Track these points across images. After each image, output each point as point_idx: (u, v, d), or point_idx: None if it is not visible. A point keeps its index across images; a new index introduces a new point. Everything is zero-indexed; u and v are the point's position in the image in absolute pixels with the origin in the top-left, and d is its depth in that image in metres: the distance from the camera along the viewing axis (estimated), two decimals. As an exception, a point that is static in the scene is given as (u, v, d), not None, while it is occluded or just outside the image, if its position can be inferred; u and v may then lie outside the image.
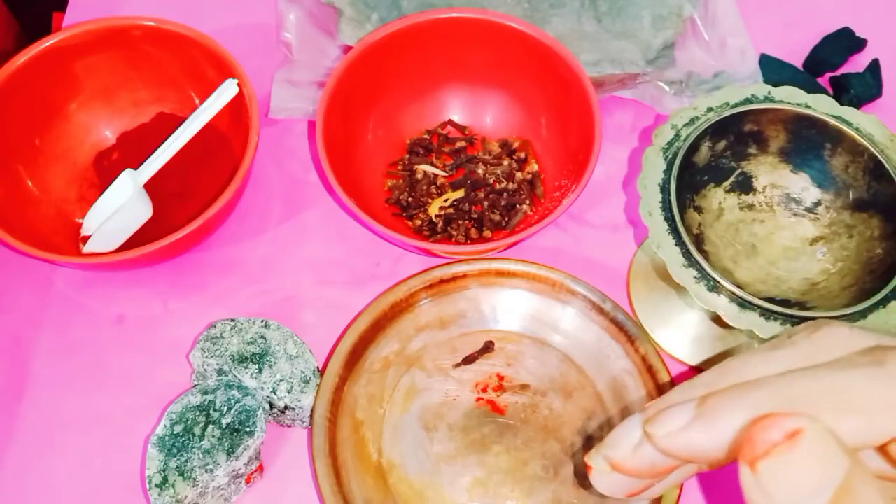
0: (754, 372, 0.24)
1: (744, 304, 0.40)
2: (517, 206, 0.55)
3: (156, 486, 0.43)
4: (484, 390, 0.49)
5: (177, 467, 0.43)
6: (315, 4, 0.61)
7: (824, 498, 0.20)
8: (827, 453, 0.20)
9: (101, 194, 0.53)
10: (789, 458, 0.20)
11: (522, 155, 0.57)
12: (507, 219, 0.55)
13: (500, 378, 0.50)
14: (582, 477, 0.47)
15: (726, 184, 0.46)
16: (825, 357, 0.23)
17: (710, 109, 0.45)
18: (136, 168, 0.53)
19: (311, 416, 0.47)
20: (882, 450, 0.22)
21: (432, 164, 0.57)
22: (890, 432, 0.21)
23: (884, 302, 0.40)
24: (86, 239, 0.53)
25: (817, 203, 0.46)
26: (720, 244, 0.45)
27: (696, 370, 0.51)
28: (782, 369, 0.23)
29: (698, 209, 0.45)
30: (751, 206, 0.47)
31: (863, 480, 0.20)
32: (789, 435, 0.20)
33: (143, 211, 0.53)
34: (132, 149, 0.57)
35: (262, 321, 0.49)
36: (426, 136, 0.58)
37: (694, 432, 0.23)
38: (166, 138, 0.53)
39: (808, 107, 0.45)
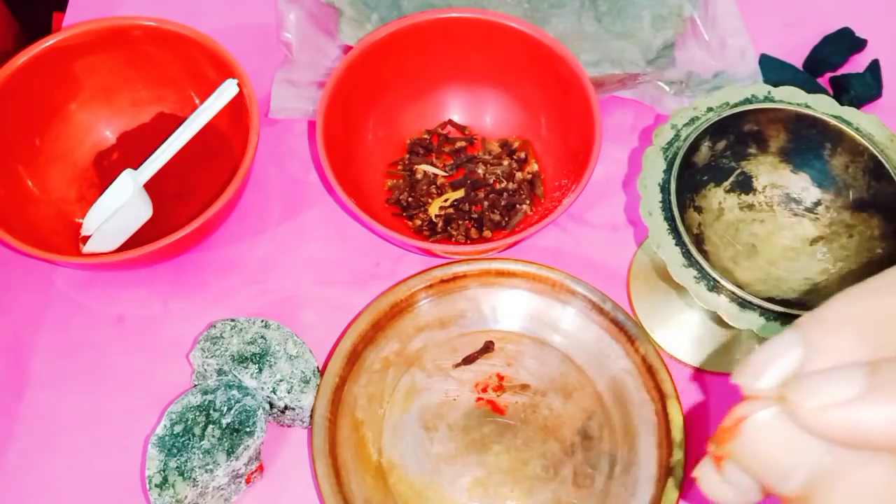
0: None
1: (744, 304, 0.40)
2: (517, 206, 0.55)
3: (156, 486, 0.43)
4: (484, 390, 0.49)
5: (177, 467, 0.43)
6: (315, 4, 0.61)
7: (795, 480, 0.18)
8: (777, 439, 0.18)
9: (101, 194, 0.53)
10: (735, 445, 0.19)
11: (522, 155, 0.57)
12: (507, 219, 0.55)
13: (500, 378, 0.50)
14: (583, 477, 0.47)
15: (726, 184, 0.46)
16: None
17: (710, 109, 0.45)
18: (136, 168, 0.53)
19: (311, 416, 0.47)
20: None
21: (432, 164, 0.57)
22: None
23: (884, 302, 0.40)
24: (86, 239, 0.53)
25: (817, 203, 0.46)
26: (720, 244, 0.45)
27: (696, 370, 0.51)
28: None
29: (698, 209, 0.45)
30: (751, 206, 0.47)
31: (854, 461, 0.18)
32: (733, 422, 0.19)
33: (143, 211, 0.53)
34: (132, 149, 0.57)
35: (262, 321, 0.49)
36: (426, 136, 0.58)
37: (866, 408, 0.17)
38: (166, 138, 0.53)
39: (808, 107, 0.45)
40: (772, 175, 0.46)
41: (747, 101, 0.45)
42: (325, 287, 0.54)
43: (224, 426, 0.44)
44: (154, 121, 0.58)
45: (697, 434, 0.49)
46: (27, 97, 0.52)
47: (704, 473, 0.21)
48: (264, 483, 0.48)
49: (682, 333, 0.51)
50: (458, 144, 0.58)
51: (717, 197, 0.46)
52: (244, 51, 0.55)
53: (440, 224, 0.54)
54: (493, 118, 0.58)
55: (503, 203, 0.55)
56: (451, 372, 0.50)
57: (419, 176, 0.56)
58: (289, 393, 0.46)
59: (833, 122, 0.44)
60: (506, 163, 0.56)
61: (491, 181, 0.56)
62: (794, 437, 0.19)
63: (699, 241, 0.44)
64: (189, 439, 0.44)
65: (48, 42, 0.52)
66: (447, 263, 0.51)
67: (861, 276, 0.42)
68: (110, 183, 0.53)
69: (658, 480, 0.45)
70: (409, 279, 0.51)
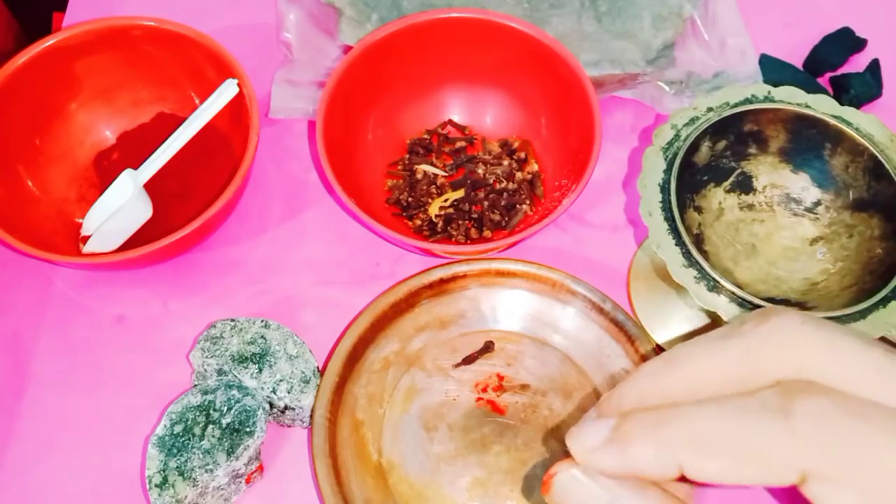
0: (697, 368, 0.25)
1: (744, 304, 0.40)
2: (517, 206, 0.55)
3: (156, 486, 0.43)
4: (484, 390, 0.49)
5: (177, 467, 0.43)
6: (315, 4, 0.61)
7: None
8: (574, 491, 0.25)
9: (101, 194, 0.53)
10: (548, 497, 0.26)
11: (522, 155, 0.57)
12: (507, 219, 0.55)
13: (500, 378, 0.50)
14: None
15: (726, 184, 0.46)
16: (769, 356, 0.24)
17: (710, 109, 0.45)
18: (136, 168, 0.53)
19: (311, 416, 0.47)
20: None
21: (432, 164, 0.57)
22: (788, 480, 0.22)
23: (884, 302, 0.40)
24: (86, 239, 0.53)
25: (817, 203, 0.46)
26: (720, 244, 0.45)
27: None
28: (724, 366, 0.24)
29: (698, 209, 0.45)
30: (751, 206, 0.47)
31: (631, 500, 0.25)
32: (546, 478, 0.26)
33: (143, 211, 0.53)
34: (132, 149, 0.57)
35: (262, 321, 0.49)
36: (426, 136, 0.58)
37: (607, 456, 0.24)
38: (166, 138, 0.53)
39: (808, 107, 0.45)
40: (772, 175, 0.46)
41: (747, 101, 0.45)
42: (325, 287, 0.54)
43: (224, 426, 0.44)
44: (154, 121, 0.58)
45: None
46: (27, 97, 0.52)
47: None
48: (264, 483, 0.48)
49: (681, 333, 0.51)
50: (458, 144, 0.58)
51: (717, 197, 0.46)
52: (244, 51, 0.55)
53: (440, 224, 0.55)
54: (493, 118, 0.58)
55: (503, 203, 0.55)
56: (451, 372, 0.50)
57: (419, 176, 0.56)
58: (289, 393, 0.46)
59: (833, 122, 0.44)
60: (506, 163, 0.56)
61: (491, 181, 0.56)
62: (586, 490, 0.25)
63: (699, 241, 0.44)
64: (189, 439, 0.44)
65: (48, 42, 0.52)
66: (447, 263, 0.51)
67: (861, 275, 0.42)
68: (110, 183, 0.53)
69: (658, 480, 0.45)
70: (409, 279, 0.51)
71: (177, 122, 0.54)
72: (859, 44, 0.62)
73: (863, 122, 0.44)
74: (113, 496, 0.47)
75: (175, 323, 0.53)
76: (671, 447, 0.23)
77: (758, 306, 0.40)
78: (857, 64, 0.62)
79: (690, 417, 0.24)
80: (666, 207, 0.42)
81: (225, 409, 0.45)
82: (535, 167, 0.56)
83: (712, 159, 0.46)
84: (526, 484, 0.47)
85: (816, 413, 0.22)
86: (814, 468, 0.22)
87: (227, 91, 0.52)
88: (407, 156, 0.57)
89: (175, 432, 0.44)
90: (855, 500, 0.22)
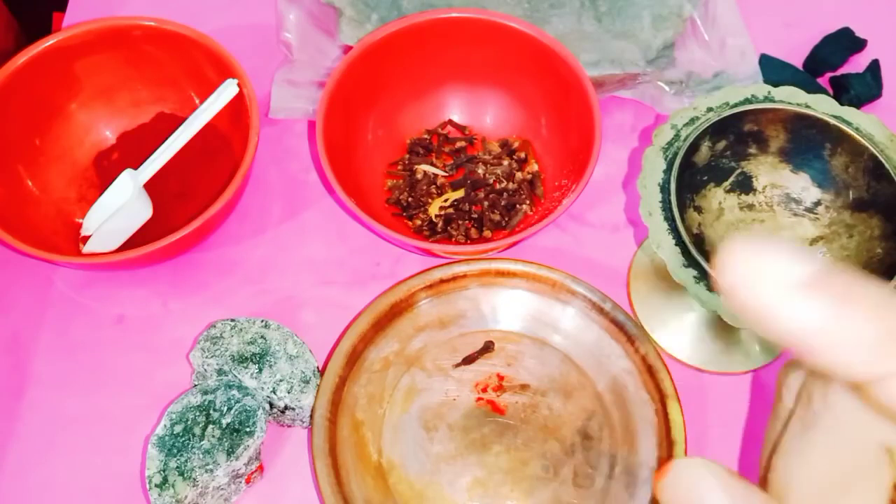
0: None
1: (744, 304, 0.40)
2: (517, 206, 0.55)
3: (156, 486, 0.43)
4: (484, 390, 0.49)
5: (177, 467, 0.43)
6: (315, 4, 0.61)
7: None
8: (691, 486, 0.19)
9: (101, 194, 0.53)
10: (660, 483, 0.20)
11: (522, 155, 0.57)
12: (507, 219, 0.55)
13: (500, 378, 0.50)
14: (583, 477, 0.47)
15: (726, 184, 0.46)
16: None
17: (710, 109, 0.45)
18: (136, 168, 0.53)
19: (311, 416, 0.47)
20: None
21: (432, 164, 0.57)
22: None
23: (884, 302, 0.40)
24: (86, 239, 0.53)
25: (817, 203, 0.46)
26: (720, 244, 0.45)
27: (697, 370, 0.51)
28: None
29: (698, 209, 0.45)
30: (751, 206, 0.47)
31: None
32: (665, 465, 0.20)
33: (143, 211, 0.53)
34: (132, 149, 0.57)
35: (262, 321, 0.49)
36: (426, 136, 0.58)
37: (810, 303, 0.16)
38: (166, 138, 0.53)
39: (808, 107, 0.45)
40: (772, 175, 0.46)
41: (747, 101, 0.45)
42: (325, 287, 0.54)
43: (224, 426, 0.44)
44: (154, 121, 0.58)
45: (697, 434, 0.49)
46: (27, 97, 0.52)
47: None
48: (264, 483, 0.48)
49: (682, 333, 0.51)
50: (458, 144, 0.58)
51: (717, 197, 0.46)
52: (244, 51, 0.55)
53: (440, 224, 0.54)
54: (493, 118, 0.58)
55: (503, 203, 0.55)
56: (451, 372, 0.50)
57: (419, 176, 0.56)
58: (289, 393, 0.46)
59: (833, 122, 0.44)
60: (506, 163, 0.56)
61: (491, 181, 0.56)
62: (705, 488, 0.20)
63: (699, 241, 0.44)
64: (189, 439, 0.44)
65: (48, 42, 0.52)
66: (447, 263, 0.51)
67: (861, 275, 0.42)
68: (110, 183, 0.53)
69: (658, 480, 0.45)
70: (409, 279, 0.51)
71: (177, 122, 0.54)
72: (859, 44, 0.62)
73: (863, 122, 0.44)
74: (113, 496, 0.47)
75: (175, 323, 0.53)
76: None
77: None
78: (857, 64, 0.62)
79: None
80: (666, 207, 0.42)
81: (225, 409, 0.45)
82: (535, 167, 0.56)
83: (712, 159, 0.46)
84: (526, 484, 0.47)
85: None
86: None
87: (227, 91, 0.52)
88: (407, 156, 0.57)
89: (175, 432, 0.44)
90: None
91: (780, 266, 0.17)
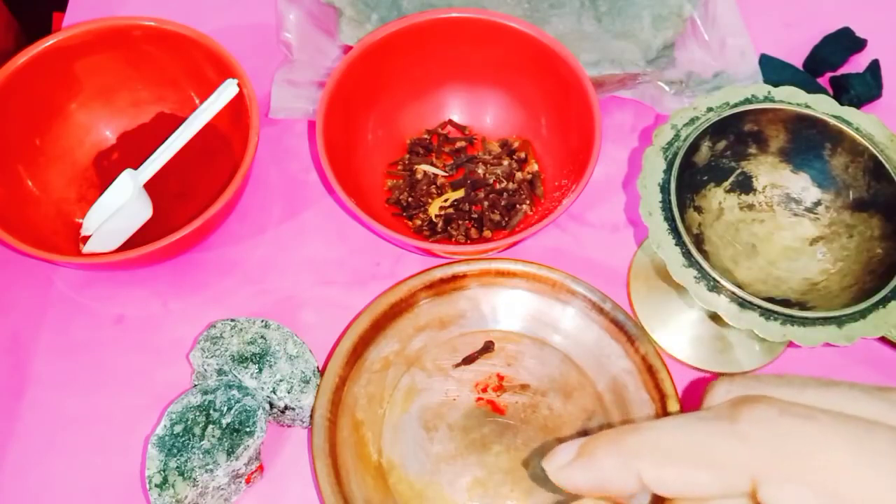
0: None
1: (744, 304, 0.40)
2: (517, 206, 0.55)
3: (156, 486, 0.43)
4: (484, 390, 0.49)
5: (177, 467, 0.43)
6: (315, 4, 0.61)
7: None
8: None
9: (101, 194, 0.53)
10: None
11: (522, 155, 0.57)
12: (507, 219, 0.55)
13: (500, 378, 0.50)
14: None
15: (726, 184, 0.46)
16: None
17: (710, 109, 0.45)
18: (136, 168, 0.53)
19: (311, 416, 0.47)
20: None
21: (432, 164, 0.57)
22: (742, 486, 0.23)
23: (884, 302, 0.40)
24: (86, 239, 0.53)
25: (817, 203, 0.46)
26: (720, 244, 0.45)
27: (697, 370, 0.51)
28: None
29: (698, 209, 0.45)
30: (751, 206, 0.47)
31: None
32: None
33: (143, 211, 0.53)
34: (132, 149, 0.57)
35: (262, 321, 0.49)
36: (426, 136, 0.58)
37: (575, 471, 0.26)
38: (166, 138, 0.53)
39: (808, 107, 0.45)
40: (772, 175, 0.46)
41: (747, 101, 0.45)
42: (325, 287, 0.54)
43: (224, 426, 0.44)
44: (154, 121, 0.58)
45: (697, 434, 0.49)
46: (27, 97, 0.52)
47: None
48: (264, 483, 0.48)
49: (682, 333, 0.51)
50: (458, 144, 0.58)
51: (717, 197, 0.46)
52: (244, 51, 0.55)
53: (440, 224, 0.54)
54: (493, 118, 0.58)
55: (503, 203, 0.55)
56: (451, 372, 0.50)
57: (419, 176, 0.56)
58: (289, 393, 0.46)
59: (833, 122, 0.44)
60: (506, 163, 0.56)
61: (491, 181, 0.56)
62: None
63: (699, 241, 0.44)
64: (189, 439, 0.44)
65: (48, 42, 0.52)
66: (447, 263, 0.51)
67: (861, 275, 0.42)
68: (110, 183, 0.53)
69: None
70: (409, 279, 0.51)
71: (177, 122, 0.54)
72: (859, 44, 0.62)
73: (863, 122, 0.44)
74: (113, 496, 0.47)
75: (175, 323, 0.53)
76: (630, 456, 0.25)
77: (758, 306, 0.40)
78: (857, 64, 0.62)
79: (649, 429, 0.25)
80: (666, 207, 0.42)
81: (225, 409, 0.45)
82: (535, 167, 0.56)
83: (712, 159, 0.46)
84: (526, 484, 0.47)
85: (763, 417, 0.23)
86: (764, 470, 0.23)
87: (227, 91, 0.52)
88: (407, 156, 0.57)
89: (175, 432, 0.44)
90: (806, 496, 0.22)
91: (558, 458, 0.27)
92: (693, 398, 0.50)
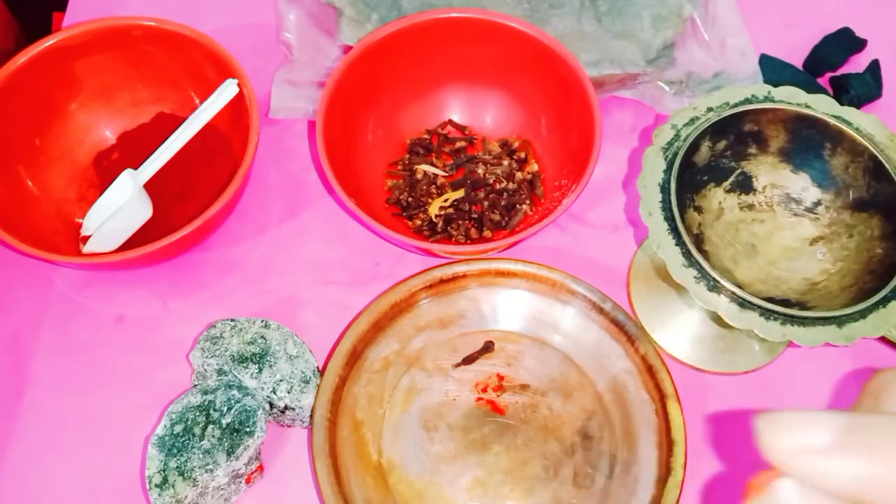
0: None
1: (744, 303, 0.40)
2: (517, 206, 0.55)
3: (156, 486, 0.43)
4: (484, 390, 0.49)
5: (177, 467, 0.43)
6: (315, 4, 0.61)
7: None
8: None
9: (101, 194, 0.53)
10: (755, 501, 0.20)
11: (522, 155, 0.57)
12: (507, 219, 0.55)
13: (500, 378, 0.50)
14: (583, 477, 0.47)
15: (726, 184, 0.46)
16: None
17: (710, 109, 0.45)
18: (136, 168, 0.53)
19: (311, 416, 0.47)
20: None
21: (432, 164, 0.57)
22: None
23: (884, 302, 0.40)
24: (86, 239, 0.53)
25: (817, 203, 0.46)
26: (720, 244, 0.45)
27: (697, 370, 0.51)
28: None
29: (698, 209, 0.45)
30: (751, 206, 0.47)
31: None
32: (755, 484, 0.20)
33: (143, 211, 0.53)
34: (132, 149, 0.57)
35: (262, 321, 0.49)
36: (426, 136, 0.58)
37: (838, 463, 0.19)
38: (166, 138, 0.53)
39: (808, 107, 0.45)
40: (772, 175, 0.46)
41: (747, 101, 0.45)
42: (325, 287, 0.54)
43: (224, 426, 0.44)
44: (154, 121, 0.58)
45: (697, 434, 0.49)
46: (27, 97, 0.52)
47: None
48: (264, 483, 0.48)
49: (682, 333, 0.51)
50: (458, 144, 0.58)
51: (717, 197, 0.46)
52: (244, 51, 0.55)
53: (440, 224, 0.54)
54: (493, 118, 0.58)
55: (503, 203, 0.55)
56: (451, 372, 0.50)
57: (419, 176, 0.56)
58: (289, 393, 0.46)
59: (833, 122, 0.44)
60: (506, 163, 0.56)
61: (491, 181, 0.56)
62: None
63: (699, 241, 0.44)
64: (189, 439, 0.44)
65: (48, 42, 0.52)
66: (447, 263, 0.51)
67: (861, 275, 0.42)
68: (110, 183, 0.53)
69: (658, 480, 0.45)
70: (409, 279, 0.51)
71: (177, 122, 0.54)
72: (859, 44, 0.62)
73: (863, 122, 0.44)
74: (113, 496, 0.47)
75: (175, 323, 0.53)
76: None
77: (758, 306, 0.40)
78: (857, 64, 0.62)
79: None
80: (666, 207, 0.42)
81: (225, 409, 0.45)
82: (535, 167, 0.56)
83: (712, 159, 0.46)
84: (526, 484, 0.47)
85: None
86: None
87: (227, 91, 0.52)
88: (407, 156, 0.57)
89: (175, 432, 0.44)
90: None
91: (807, 438, 0.19)
92: (693, 398, 0.50)
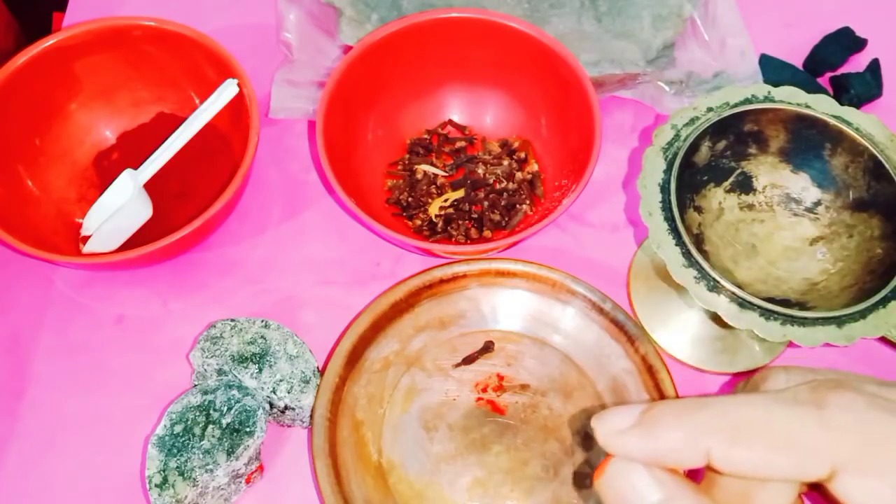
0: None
1: (744, 304, 0.40)
2: (517, 206, 0.55)
3: (156, 486, 0.43)
4: (484, 390, 0.49)
5: (177, 467, 0.43)
6: (315, 4, 0.61)
7: None
8: (626, 485, 0.25)
9: (101, 194, 0.53)
10: (598, 483, 0.25)
11: (522, 155, 0.57)
12: (507, 219, 0.55)
13: (500, 378, 0.50)
14: (582, 477, 0.47)
15: (726, 184, 0.46)
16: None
17: (710, 109, 0.45)
18: (136, 168, 0.53)
19: (311, 416, 0.47)
20: (824, 489, 0.23)
21: (432, 164, 0.57)
22: (818, 473, 0.22)
23: (884, 302, 0.40)
24: (86, 239, 0.53)
25: (817, 203, 0.46)
26: (720, 244, 0.45)
27: (697, 370, 0.51)
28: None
29: (698, 209, 0.45)
30: (751, 206, 0.47)
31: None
32: (602, 463, 0.25)
33: (143, 211, 0.53)
34: (132, 149, 0.57)
35: (262, 321, 0.49)
36: (426, 136, 0.58)
37: (633, 439, 0.24)
38: (166, 138, 0.53)
39: (808, 107, 0.45)
40: (772, 175, 0.46)
41: (747, 101, 0.45)
42: (325, 287, 0.54)
43: (224, 426, 0.44)
44: (154, 121, 0.58)
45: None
46: (27, 97, 0.52)
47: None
48: (264, 483, 0.48)
49: (682, 333, 0.51)
50: (458, 144, 0.58)
51: (717, 197, 0.46)
52: (244, 51, 0.55)
53: (440, 224, 0.54)
54: (493, 118, 0.58)
55: (503, 203, 0.55)
56: (451, 372, 0.50)
57: (419, 176, 0.56)
58: (289, 393, 0.46)
59: (833, 122, 0.44)
60: (506, 163, 0.56)
61: (491, 181, 0.56)
62: (641, 481, 0.25)
63: (699, 241, 0.44)
64: (189, 439, 0.44)
65: (48, 42, 0.52)
66: (447, 263, 0.51)
67: (861, 275, 0.42)
68: (110, 183, 0.53)
69: (658, 480, 0.45)
70: (409, 279, 0.51)
71: (177, 122, 0.54)
72: (859, 44, 0.62)
73: (863, 122, 0.44)
74: (113, 496, 0.47)
75: (175, 323, 0.53)
76: (700, 432, 0.23)
77: (758, 306, 0.40)
78: (857, 64, 0.62)
79: (722, 406, 0.24)
80: (666, 207, 0.42)
81: (225, 409, 0.45)
82: (535, 167, 0.56)
83: (712, 159, 0.46)
84: (526, 484, 0.47)
85: (851, 407, 0.23)
86: (845, 460, 0.22)
87: (227, 91, 0.52)
88: (407, 156, 0.57)
89: (175, 432, 0.44)
90: (886, 493, 0.22)
91: (616, 423, 0.25)
92: (693, 398, 0.50)
